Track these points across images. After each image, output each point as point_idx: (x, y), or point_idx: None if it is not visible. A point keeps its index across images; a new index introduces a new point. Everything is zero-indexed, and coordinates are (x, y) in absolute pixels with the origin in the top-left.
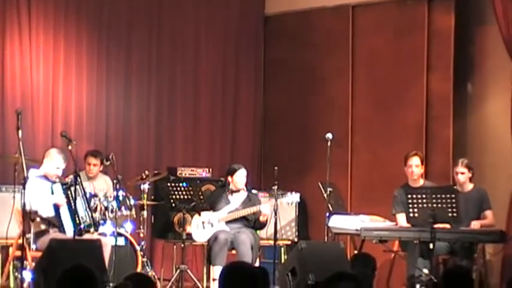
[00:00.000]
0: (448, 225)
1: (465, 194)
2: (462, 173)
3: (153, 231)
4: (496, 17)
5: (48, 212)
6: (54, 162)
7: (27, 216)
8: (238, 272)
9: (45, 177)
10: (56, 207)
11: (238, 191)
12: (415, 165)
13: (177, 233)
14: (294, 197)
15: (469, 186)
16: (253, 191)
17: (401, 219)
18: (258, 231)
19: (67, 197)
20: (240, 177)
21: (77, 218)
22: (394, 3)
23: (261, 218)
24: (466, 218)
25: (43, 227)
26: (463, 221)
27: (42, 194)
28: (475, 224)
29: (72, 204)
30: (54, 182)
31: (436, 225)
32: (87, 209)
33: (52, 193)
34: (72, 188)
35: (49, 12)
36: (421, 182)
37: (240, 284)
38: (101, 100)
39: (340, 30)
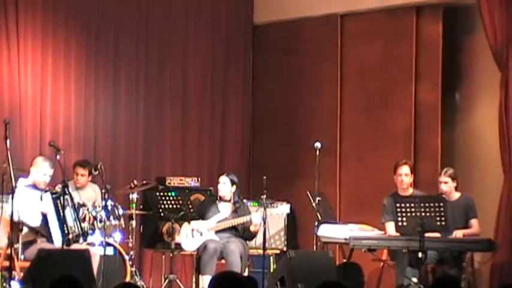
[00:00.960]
0: (438, 234)
1: (452, 203)
2: (445, 183)
3: (141, 240)
4: (483, 26)
5: (36, 222)
6: (41, 169)
7: (16, 227)
8: (227, 281)
9: (34, 186)
10: (44, 217)
11: (225, 200)
12: (404, 174)
13: (166, 242)
14: (284, 209)
15: (456, 195)
16: (244, 201)
17: (390, 227)
18: (247, 241)
19: (56, 206)
20: (220, 184)
21: (65, 228)
22: (383, 12)
23: (252, 228)
24: (453, 227)
25: (31, 237)
26: (450, 230)
27: (30, 203)
28: (458, 233)
29: (61, 214)
30: (44, 191)
31: (427, 234)
32: (76, 219)
33: (41, 200)
34: (62, 198)
35: (37, 21)
36: (410, 190)
37: None
38: (89, 109)
39: (329, 39)
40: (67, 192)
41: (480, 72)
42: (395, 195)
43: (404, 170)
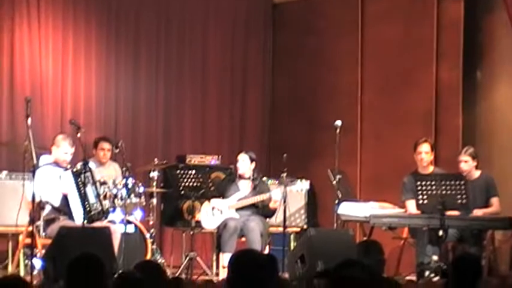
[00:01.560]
0: (456, 212)
1: (472, 182)
2: (465, 162)
3: (162, 218)
4: (504, 5)
5: (57, 201)
6: (61, 148)
7: (37, 204)
8: (247, 259)
9: (56, 163)
10: (65, 197)
11: (244, 178)
12: (424, 152)
13: (186, 220)
14: (303, 185)
15: (476, 174)
16: (263, 179)
17: (411, 205)
18: (267, 219)
19: (77, 184)
20: (239, 162)
21: (87, 206)
22: None
23: (271, 205)
24: (473, 206)
25: (53, 214)
26: (471, 209)
27: (52, 183)
28: (477, 212)
29: (82, 191)
30: (65, 169)
31: (447, 213)
32: (98, 196)
33: (60, 179)
34: (83, 175)
35: (58, 0)
36: (431, 168)
37: (249, 271)
38: (109, 88)
39: (349, 18)
40: (88, 169)
41: (501, 51)
42: (416, 173)
43: (425, 148)
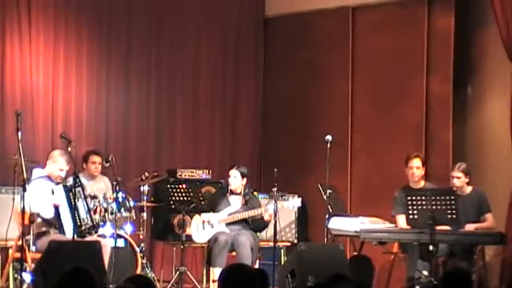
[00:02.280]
0: (447, 227)
1: (464, 197)
2: (458, 178)
3: (152, 232)
4: (495, 19)
5: (49, 213)
6: (58, 164)
7: (27, 218)
8: (238, 273)
9: (49, 177)
10: (56, 209)
11: (236, 193)
12: (416, 167)
13: (177, 234)
14: (295, 202)
15: (468, 189)
16: (254, 193)
17: (401, 220)
18: (257, 233)
19: (68, 198)
20: (230, 178)
21: (78, 220)
22: (394, 5)
23: (266, 217)
24: (465, 221)
25: (43, 228)
26: (462, 224)
27: (43, 195)
28: (470, 227)
29: (74, 205)
30: (57, 183)
31: (437, 228)
32: (89, 211)
33: (52, 194)
34: (74, 190)
35: (49, 13)
36: (422, 183)
37: (240, 285)
38: (100, 101)
39: (340, 32)
40: (79, 183)
41: (492, 65)
42: (407, 188)
43: (416, 163)
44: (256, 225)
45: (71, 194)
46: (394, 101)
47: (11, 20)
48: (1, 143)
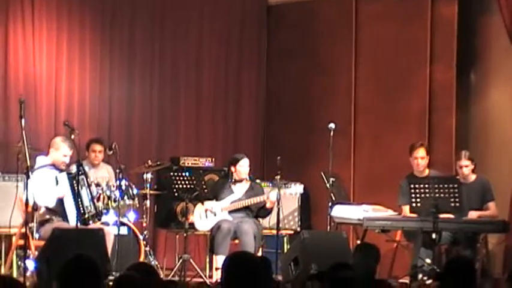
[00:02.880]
0: (451, 215)
1: (468, 185)
2: (466, 166)
3: (155, 220)
4: (499, 7)
5: (52, 203)
6: (61, 150)
7: (31, 206)
8: (241, 261)
9: (53, 165)
10: (60, 199)
11: (241, 180)
12: (420, 157)
13: (180, 222)
14: (298, 188)
15: (472, 177)
16: (257, 181)
17: (407, 210)
18: (261, 221)
19: (72, 186)
20: (243, 167)
21: (81, 208)
22: None
23: (268, 205)
24: (469, 209)
25: (47, 216)
26: (466, 212)
27: (47, 185)
28: (472, 215)
29: (77, 193)
30: (61, 171)
31: (441, 216)
32: (92, 199)
33: (56, 183)
34: (78, 178)
35: (52, 1)
36: (426, 172)
37: (243, 273)
38: (103, 89)
39: (344, 20)
40: (82, 171)
41: (495, 53)
42: (411, 176)
43: (421, 153)
44: (260, 212)
45: (74, 181)
46: (398, 90)
47: (14, 8)
48: (4, 130)
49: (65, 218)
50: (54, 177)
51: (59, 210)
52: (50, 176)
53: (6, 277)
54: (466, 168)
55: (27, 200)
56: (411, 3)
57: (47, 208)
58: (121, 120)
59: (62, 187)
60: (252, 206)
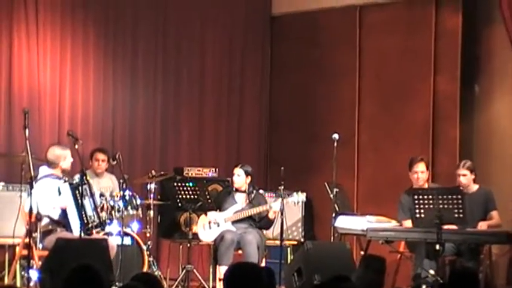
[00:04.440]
0: (455, 226)
1: (470, 195)
2: (464, 175)
3: (159, 231)
4: (502, 17)
5: (56, 215)
6: (68, 158)
7: (34, 217)
8: (244, 272)
9: (55, 176)
10: (63, 209)
11: (241, 191)
12: (420, 172)
13: (183, 232)
14: (300, 197)
15: (474, 188)
16: (260, 191)
17: (408, 225)
18: (264, 231)
19: (74, 196)
20: (235, 176)
21: (85, 218)
22: (402, 4)
23: (270, 215)
24: (472, 219)
25: (50, 226)
26: (469, 222)
27: (50, 196)
28: (482, 225)
29: (80, 203)
30: (64, 181)
31: (445, 227)
32: (95, 208)
33: (59, 193)
34: (81, 188)
35: (56, 11)
36: (426, 186)
37: (246, 284)
38: (107, 99)
39: (348, 31)
40: (85, 181)
41: (499, 64)
42: (411, 190)
43: (420, 167)
44: (262, 223)
45: (77, 192)
46: (401, 100)
47: (18, 18)
48: (8, 140)
49: (68, 228)
50: (57, 187)
51: (62, 221)
52: (53, 186)
53: (8, 286)
54: (463, 177)
55: (30, 209)
56: (415, 13)
57: (50, 219)
58: (124, 130)
59: (64, 197)
60: (255, 216)
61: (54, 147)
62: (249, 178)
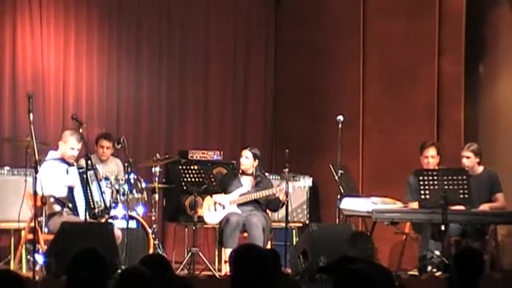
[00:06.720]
0: (461, 207)
1: (475, 177)
2: (467, 157)
3: (164, 214)
4: None
5: (63, 193)
6: (68, 143)
7: (39, 200)
8: (249, 254)
9: (62, 159)
10: (70, 190)
11: (247, 173)
12: (431, 156)
13: (189, 215)
14: (306, 182)
15: (479, 169)
16: (266, 174)
17: (415, 207)
18: (269, 214)
19: (82, 181)
20: (243, 158)
21: (92, 203)
22: None
23: (281, 197)
24: (477, 201)
25: (57, 208)
26: (476, 204)
27: (56, 176)
28: (485, 207)
29: (87, 188)
30: (70, 165)
31: (452, 207)
32: (102, 194)
33: (67, 173)
34: (88, 173)
35: None
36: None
37: (251, 266)
38: (111, 83)
39: (352, 13)
40: (91, 166)
41: (504, 45)
42: (418, 171)
43: (431, 152)
44: (272, 205)
45: (84, 176)
46: (406, 82)
47: (22, 4)
48: (13, 125)
49: (74, 211)
50: (65, 169)
51: (69, 202)
52: (60, 168)
53: (7, 271)
54: (467, 159)
55: (35, 192)
56: None
57: (56, 199)
58: (129, 113)
59: (72, 177)
60: (261, 199)
61: (68, 130)
62: (257, 161)
